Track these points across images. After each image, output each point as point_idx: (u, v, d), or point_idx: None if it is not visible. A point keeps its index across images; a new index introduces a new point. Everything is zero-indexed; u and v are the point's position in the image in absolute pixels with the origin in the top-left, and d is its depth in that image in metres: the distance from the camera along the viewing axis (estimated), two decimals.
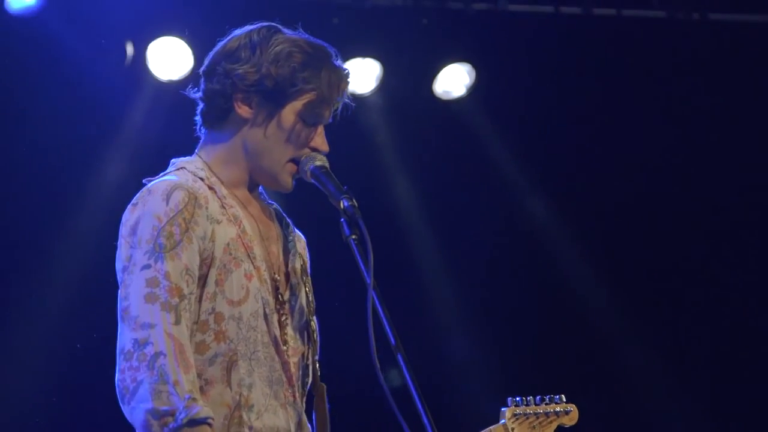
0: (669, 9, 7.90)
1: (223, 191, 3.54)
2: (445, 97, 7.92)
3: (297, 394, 3.56)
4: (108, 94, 7.18)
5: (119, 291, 3.37)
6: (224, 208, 3.51)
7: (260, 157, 3.56)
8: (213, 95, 3.58)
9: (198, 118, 3.64)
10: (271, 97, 3.53)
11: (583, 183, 8.20)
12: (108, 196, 7.17)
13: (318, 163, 3.56)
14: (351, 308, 4.25)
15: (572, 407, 3.97)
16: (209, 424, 3.26)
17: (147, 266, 3.33)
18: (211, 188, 3.51)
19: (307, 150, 3.57)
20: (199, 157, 3.60)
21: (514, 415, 3.89)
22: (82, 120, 7.14)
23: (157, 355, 3.25)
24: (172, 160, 3.62)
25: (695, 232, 8.27)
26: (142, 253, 3.35)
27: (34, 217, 7.19)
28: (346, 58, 4.22)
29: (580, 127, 8.06)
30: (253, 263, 3.49)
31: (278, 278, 3.57)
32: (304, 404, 3.61)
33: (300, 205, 4.36)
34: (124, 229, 3.41)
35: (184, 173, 3.52)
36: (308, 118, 3.56)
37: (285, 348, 3.53)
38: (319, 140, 3.59)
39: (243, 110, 3.55)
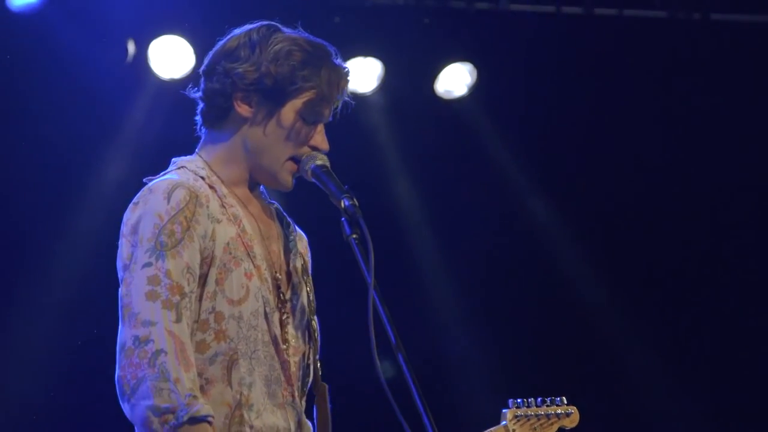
0: (670, 9, 7.90)
1: (224, 190, 3.54)
2: (446, 96, 7.92)
3: (296, 394, 3.55)
4: (109, 92, 7.17)
5: (120, 289, 3.37)
6: (224, 207, 3.50)
7: (260, 155, 3.56)
8: (213, 94, 3.57)
9: (198, 117, 3.64)
10: (271, 95, 3.53)
11: (583, 183, 8.20)
12: (109, 195, 7.16)
13: (319, 162, 3.55)
14: (351, 308, 4.25)
15: (573, 409, 3.98)
16: (210, 422, 3.26)
17: (148, 264, 3.33)
18: (211, 187, 3.51)
19: (307, 148, 3.56)
20: (200, 156, 3.60)
21: (516, 416, 3.90)
22: (83, 118, 7.13)
23: (158, 352, 3.25)
24: (173, 159, 3.62)
25: (695, 232, 8.26)
26: (143, 252, 3.35)
27: (34, 216, 7.18)
28: (347, 58, 4.24)
29: (580, 127, 8.06)
30: (253, 262, 3.49)
31: (279, 277, 3.56)
32: (304, 404, 3.61)
33: (300, 205, 4.36)
34: (125, 228, 3.41)
35: (184, 172, 3.52)
36: (308, 117, 3.55)
37: (285, 347, 3.52)
38: (319, 138, 3.58)
39: (243, 109, 3.55)
